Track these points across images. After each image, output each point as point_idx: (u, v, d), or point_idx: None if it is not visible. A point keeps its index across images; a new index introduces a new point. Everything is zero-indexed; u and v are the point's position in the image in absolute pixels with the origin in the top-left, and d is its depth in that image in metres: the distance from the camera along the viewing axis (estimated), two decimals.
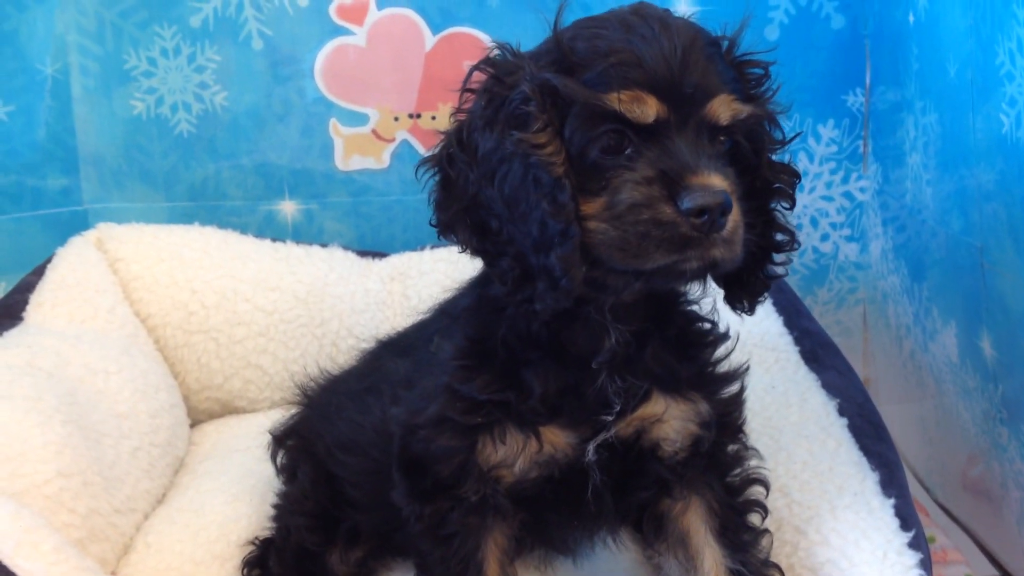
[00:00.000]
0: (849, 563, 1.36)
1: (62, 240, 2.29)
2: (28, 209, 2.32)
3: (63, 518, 1.48)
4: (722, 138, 1.18)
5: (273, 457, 1.72)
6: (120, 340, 1.97)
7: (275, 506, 1.65)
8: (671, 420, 1.28)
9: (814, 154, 2.44)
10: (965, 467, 2.03)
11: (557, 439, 1.26)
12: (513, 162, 1.15)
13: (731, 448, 1.37)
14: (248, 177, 2.41)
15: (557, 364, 1.25)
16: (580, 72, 1.15)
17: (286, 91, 2.38)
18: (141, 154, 2.38)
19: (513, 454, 1.25)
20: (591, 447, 1.26)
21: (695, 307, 1.35)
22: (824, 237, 2.51)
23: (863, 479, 1.50)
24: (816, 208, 2.48)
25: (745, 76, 1.23)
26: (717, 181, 1.11)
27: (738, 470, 1.37)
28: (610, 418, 1.25)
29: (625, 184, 1.13)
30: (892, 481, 1.50)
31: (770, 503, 1.47)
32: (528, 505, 1.32)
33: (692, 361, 1.31)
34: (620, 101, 1.12)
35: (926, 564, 1.35)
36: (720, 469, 1.35)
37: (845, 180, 2.46)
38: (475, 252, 1.22)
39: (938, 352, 2.00)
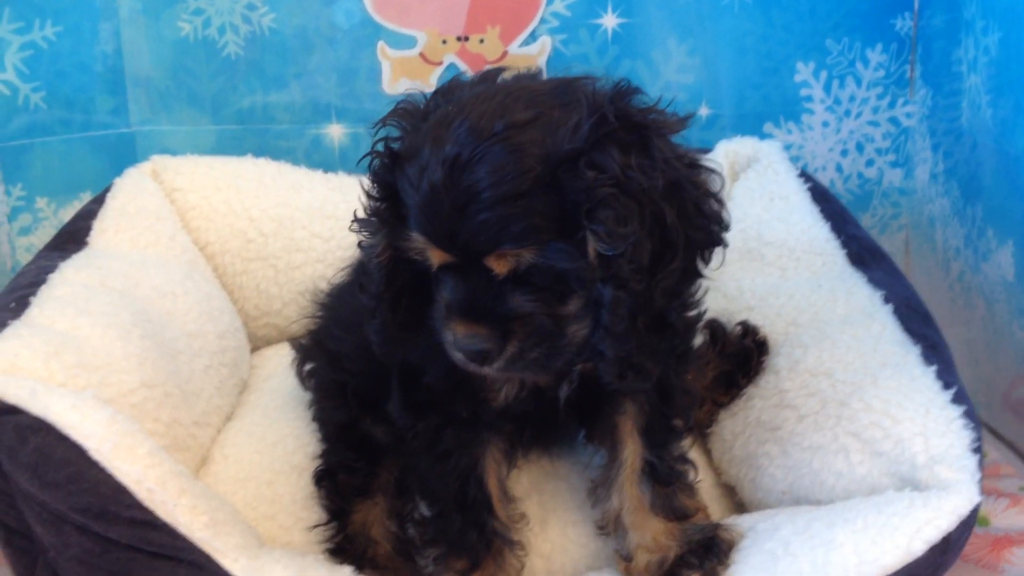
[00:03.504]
0: (892, 421, 1.40)
1: (110, 162, 2.32)
2: (78, 131, 2.32)
3: (148, 426, 1.51)
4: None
5: (299, 369, 1.82)
6: (182, 266, 1.98)
7: (312, 408, 1.76)
8: None
9: (861, 79, 2.43)
10: (1009, 388, 2.07)
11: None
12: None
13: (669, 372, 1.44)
14: (295, 100, 2.40)
15: None
16: (405, 167, 1.24)
17: (333, 13, 2.35)
18: (188, 76, 2.36)
19: (500, 380, 1.37)
20: (564, 386, 1.39)
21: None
22: (869, 163, 2.51)
23: (905, 354, 1.54)
24: (862, 133, 2.48)
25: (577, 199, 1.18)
26: (472, 330, 1.21)
27: (673, 384, 1.46)
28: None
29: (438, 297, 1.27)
30: (935, 355, 1.53)
31: (813, 386, 1.58)
32: (513, 421, 1.46)
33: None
34: (412, 244, 1.24)
35: (971, 415, 1.38)
36: (660, 386, 1.44)
37: (891, 105, 2.46)
38: None
39: (991, 272, 2.02)
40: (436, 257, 1.23)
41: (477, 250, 1.18)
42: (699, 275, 1.30)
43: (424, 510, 1.49)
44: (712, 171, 1.30)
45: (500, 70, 1.35)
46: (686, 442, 1.53)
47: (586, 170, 1.16)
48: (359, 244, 1.37)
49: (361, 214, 1.34)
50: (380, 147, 1.30)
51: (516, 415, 1.43)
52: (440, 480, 1.43)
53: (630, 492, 1.44)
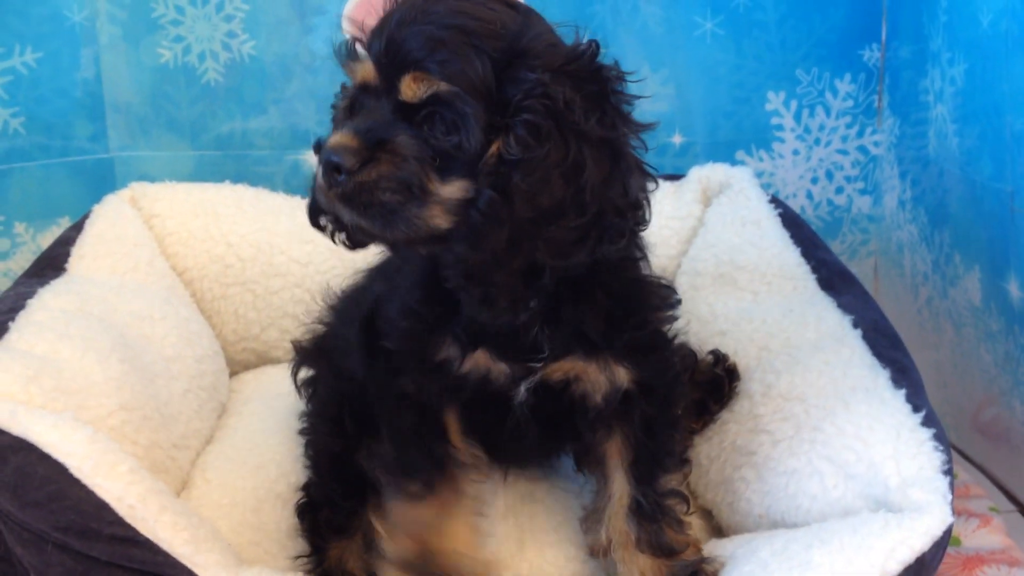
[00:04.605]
0: (865, 445, 1.43)
1: (89, 187, 2.33)
2: (56, 156, 2.33)
3: (128, 449, 1.50)
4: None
5: (294, 372, 1.80)
6: (161, 291, 2.00)
7: (303, 419, 1.73)
8: (589, 379, 1.39)
9: (831, 108, 2.49)
10: (976, 411, 2.11)
11: (489, 363, 1.36)
12: None
13: (650, 409, 1.45)
14: (274, 127, 2.42)
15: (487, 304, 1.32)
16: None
17: (312, 41, 2.38)
18: (168, 103, 2.38)
19: (453, 358, 1.36)
20: (523, 387, 1.37)
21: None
22: (838, 190, 2.56)
23: (875, 378, 1.56)
24: (832, 161, 2.53)
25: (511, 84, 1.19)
26: (342, 140, 1.17)
27: (658, 420, 1.46)
28: (539, 364, 1.35)
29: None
30: (904, 378, 1.56)
31: (787, 411, 1.60)
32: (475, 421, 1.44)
33: (619, 328, 1.37)
34: (354, 67, 1.25)
35: (941, 437, 1.41)
36: (636, 420, 1.45)
37: (860, 134, 2.52)
38: None
39: (959, 297, 2.07)
40: (362, 72, 1.23)
41: (401, 64, 1.18)
42: (593, 254, 1.23)
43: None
44: (653, 176, 1.28)
45: None
46: (678, 476, 1.53)
47: (537, 75, 1.17)
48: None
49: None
50: None
51: (477, 417, 1.43)
52: (398, 416, 1.43)
53: (618, 527, 1.45)
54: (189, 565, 1.27)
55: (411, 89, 1.18)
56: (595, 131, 1.19)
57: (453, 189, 1.19)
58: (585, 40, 1.25)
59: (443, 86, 1.17)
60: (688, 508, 1.51)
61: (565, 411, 1.43)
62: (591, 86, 1.21)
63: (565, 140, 1.17)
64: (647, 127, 1.27)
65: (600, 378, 1.38)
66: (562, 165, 1.17)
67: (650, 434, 1.45)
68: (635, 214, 1.25)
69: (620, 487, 1.45)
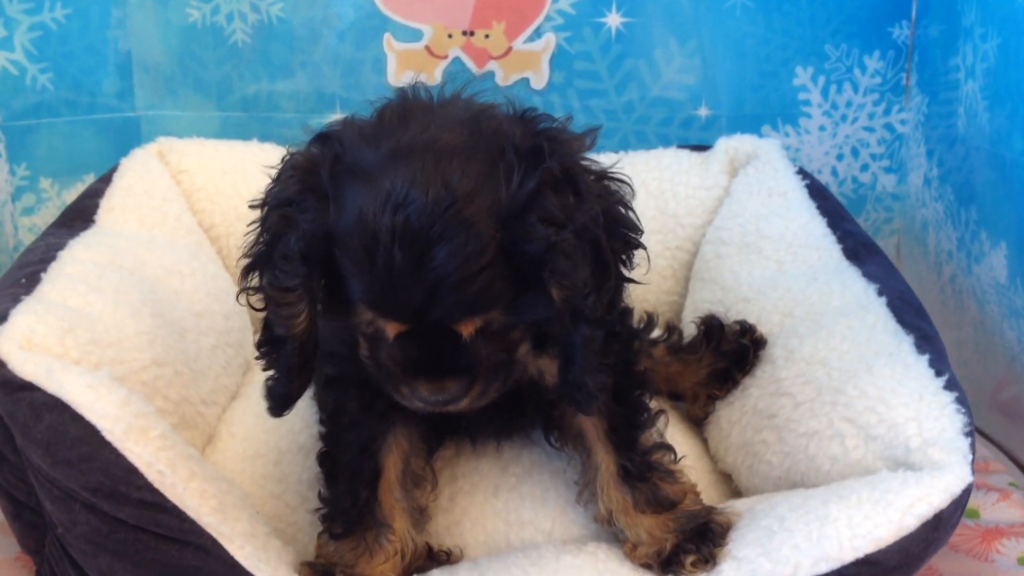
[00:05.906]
0: (887, 407, 1.43)
1: (114, 144, 2.34)
2: (83, 113, 2.34)
3: (159, 404, 1.52)
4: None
5: None
6: (188, 247, 2.00)
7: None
8: (536, 365, 1.39)
9: (859, 85, 2.48)
10: (996, 390, 2.10)
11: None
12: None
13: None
14: (301, 89, 2.43)
15: None
16: (342, 241, 1.19)
17: (341, 5, 2.38)
18: (195, 63, 2.39)
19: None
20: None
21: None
22: (864, 167, 2.56)
23: (899, 343, 1.56)
24: (858, 138, 2.52)
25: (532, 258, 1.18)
26: (444, 386, 1.23)
27: (622, 383, 1.46)
28: None
29: (380, 350, 1.25)
30: (927, 345, 1.55)
31: (809, 374, 1.61)
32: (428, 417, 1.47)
33: None
34: (361, 318, 1.23)
35: (963, 401, 1.41)
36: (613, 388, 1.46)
37: (887, 112, 2.50)
38: None
39: (983, 274, 2.06)
40: (394, 329, 1.21)
41: (446, 321, 1.19)
42: (627, 280, 1.32)
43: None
44: (623, 182, 1.32)
45: (388, 103, 1.31)
46: (660, 422, 1.53)
47: (537, 225, 1.16)
48: (267, 314, 1.30)
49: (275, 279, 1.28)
50: (276, 207, 1.28)
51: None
52: (341, 449, 1.46)
53: (613, 496, 1.45)
54: (215, 535, 1.27)
55: (470, 329, 1.20)
56: (589, 213, 1.21)
57: (520, 330, 1.28)
58: (523, 114, 1.28)
59: (498, 315, 1.21)
60: (675, 457, 1.51)
61: (520, 394, 1.44)
62: (565, 177, 1.21)
63: (583, 241, 1.20)
64: (590, 141, 1.33)
65: (546, 362, 1.38)
66: (588, 256, 1.21)
67: (619, 399, 1.45)
68: (633, 229, 1.31)
69: (603, 457, 1.46)
